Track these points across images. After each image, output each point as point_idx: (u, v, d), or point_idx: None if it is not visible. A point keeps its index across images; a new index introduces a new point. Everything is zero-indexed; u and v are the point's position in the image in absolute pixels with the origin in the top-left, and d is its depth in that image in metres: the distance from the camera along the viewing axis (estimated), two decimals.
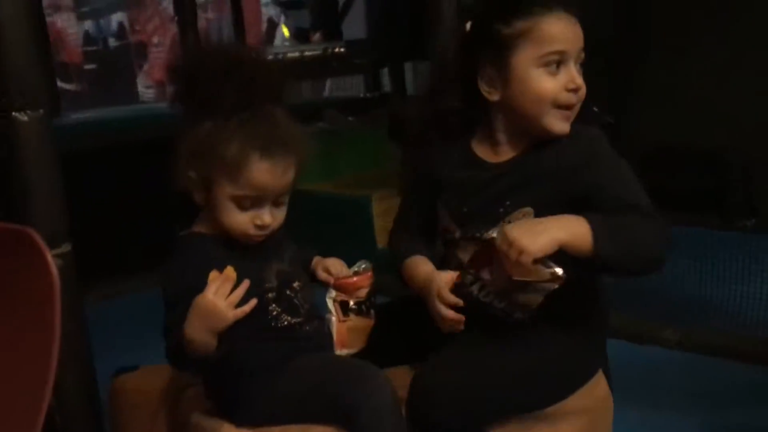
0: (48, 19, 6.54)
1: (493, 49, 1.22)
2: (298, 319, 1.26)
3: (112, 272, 2.99)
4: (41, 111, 1.40)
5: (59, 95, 4.38)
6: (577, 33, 1.20)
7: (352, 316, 1.35)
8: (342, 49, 4.36)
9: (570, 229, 1.10)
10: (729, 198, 3.20)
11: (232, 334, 1.13)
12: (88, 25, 9.16)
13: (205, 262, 1.15)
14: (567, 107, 1.20)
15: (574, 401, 1.25)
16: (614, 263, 1.11)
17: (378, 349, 1.37)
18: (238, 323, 1.13)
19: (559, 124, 1.21)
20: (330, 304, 1.35)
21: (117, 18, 8.85)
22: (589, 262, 1.11)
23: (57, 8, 9.12)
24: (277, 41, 6.82)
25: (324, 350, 1.30)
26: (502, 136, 1.27)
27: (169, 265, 1.21)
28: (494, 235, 1.15)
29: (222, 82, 1.14)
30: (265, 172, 1.15)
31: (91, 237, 2.77)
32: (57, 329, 1.11)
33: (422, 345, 1.29)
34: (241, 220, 1.18)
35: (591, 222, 1.10)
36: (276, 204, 1.21)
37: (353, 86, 5.36)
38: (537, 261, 1.10)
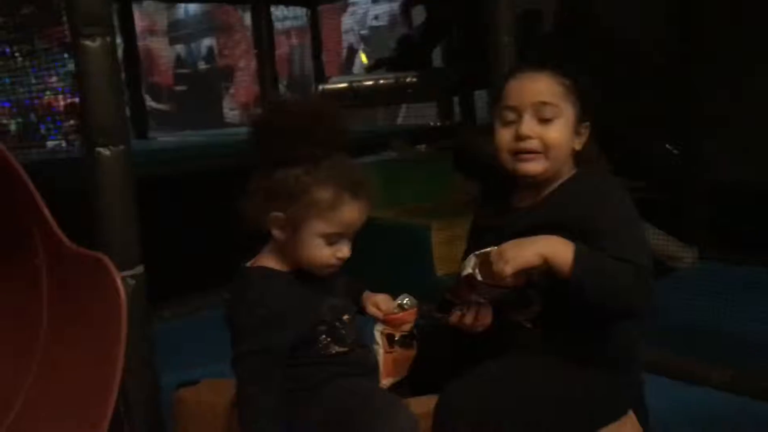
0: (142, 43, 6.97)
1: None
2: (344, 349, 1.38)
3: (187, 291, 3.16)
4: (121, 147, 1.57)
5: (148, 116, 4.66)
6: (535, 89, 1.34)
7: (396, 347, 1.47)
8: (415, 79, 4.47)
9: (555, 248, 1.22)
10: None
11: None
12: (180, 48, 9.65)
13: (277, 297, 1.29)
14: (519, 153, 1.35)
15: None
16: (586, 293, 1.20)
17: (416, 376, 1.47)
18: (291, 349, 1.27)
19: (521, 167, 1.36)
20: (377, 336, 1.48)
21: (207, 42, 9.30)
22: (565, 285, 1.21)
23: (152, 32, 9.67)
24: (356, 68, 7.03)
25: (364, 377, 1.41)
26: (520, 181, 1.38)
27: (241, 297, 1.31)
28: (469, 270, 1.28)
29: (309, 135, 1.28)
30: (355, 211, 1.30)
31: (168, 257, 3.01)
32: (122, 343, 1.26)
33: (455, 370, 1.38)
34: (326, 254, 1.31)
35: (577, 249, 1.21)
36: (350, 238, 1.35)
37: (427, 115, 5.46)
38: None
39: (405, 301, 1.48)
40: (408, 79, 4.64)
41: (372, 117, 6.17)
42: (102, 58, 1.51)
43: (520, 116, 1.35)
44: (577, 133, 1.38)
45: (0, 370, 1.46)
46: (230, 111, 9.01)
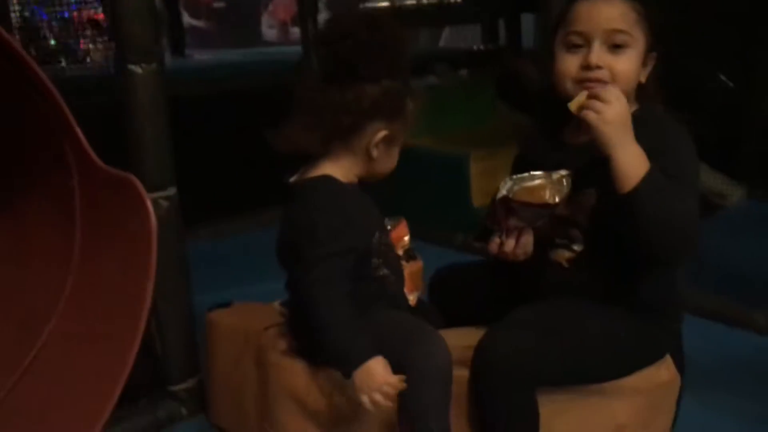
0: None
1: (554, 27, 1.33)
2: (388, 272, 1.35)
3: (223, 213, 3.17)
4: (154, 65, 1.52)
5: (185, 33, 4.59)
6: (607, 15, 1.25)
7: (404, 263, 1.45)
8: (459, 0, 4.32)
9: (634, 151, 1.17)
10: None
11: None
12: None
13: (351, 203, 1.28)
14: (587, 81, 1.25)
15: (633, 381, 1.27)
16: (646, 209, 1.14)
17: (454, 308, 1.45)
18: (343, 269, 1.24)
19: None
20: None
21: None
22: (620, 199, 1.16)
23: None
24: None
25: (400, 307, 1.39)
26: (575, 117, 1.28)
27: (314, 203, 1.27)
28: (504, 192, 1.26)
29: (404, 51, 1.28)
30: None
31: (203, 177, 3.00)
32: (153, 265, 1.25)
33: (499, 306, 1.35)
34: (395, 161, 1.34)
35: (652, 165, 1.16)
36: None
37: (470, 38, 5.29)
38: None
39: (392, 221, 1.46)
40: (452, 0, 4.48)
41: (414, 38, 6.00)
42: None
43: (589, 42, 1.26)
44: (643, 64, 1.29)
45: (37, 286, 1.47)
46: (268, 29, 8.85)
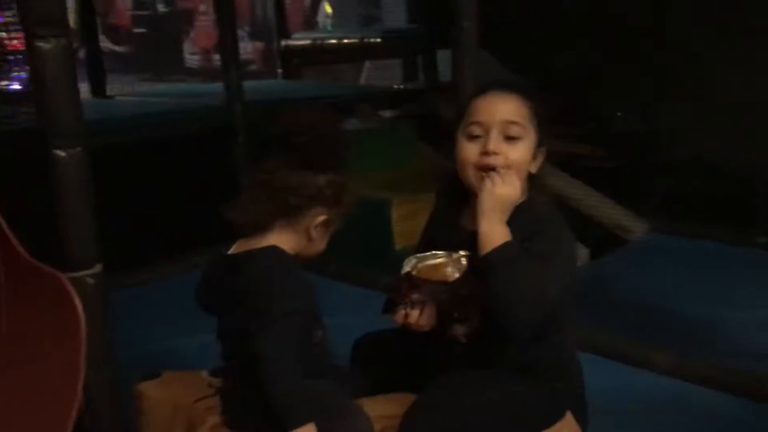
0: None
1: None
2: (322, 333, 1.46)
3: (148, 259, 3.17)
4: (78, 149, 1.55)
5: (104, 72, 4.53)
6: (504, 108, 1.40)
7: None
8: (378, 40, 4.44)
9: (499, 227, 1.35)
10: (747, 212, 3.22)
11: None
12: None
13: (300, 270, 1.41)
14: (485, 167, 1.40)
15: None
16: (493, 278, 1.30)
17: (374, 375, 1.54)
18: (297, 329, 1.34)
19: (481, 183, 1.40)
20: None
21: None
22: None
23: None
24: (320, 17, 6.89)
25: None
26: (472, 201, 1.43)
27: (270, 266, 1.38)
28: (408, 269, 1.41)
29: (345, 143, 1.43)
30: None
31: (133, 223, 3.00)
32: (82, 361, 1.28)
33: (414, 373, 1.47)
34: (321, 247, 1.46)
35: (508, 243, 1.33)
36: None
37: (391, 74, 5.42)
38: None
39: None
40: (372, 39, 4.60)
41: (335, 73, 6.09)
42: (58, 61, 1.48)
43: (487, 132, 1.40)
44: (534, 156, 1.43)
45: None
46: (190, 56, 8.80)
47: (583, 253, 3.29)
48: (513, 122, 1.40)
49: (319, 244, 1.46)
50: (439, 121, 3.79)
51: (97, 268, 1.64)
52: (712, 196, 3.30)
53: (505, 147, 1.39)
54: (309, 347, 1.40)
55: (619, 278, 2.87)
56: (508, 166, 1.38)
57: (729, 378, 2.09)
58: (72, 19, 4.33)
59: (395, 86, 4.76)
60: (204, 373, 1.59)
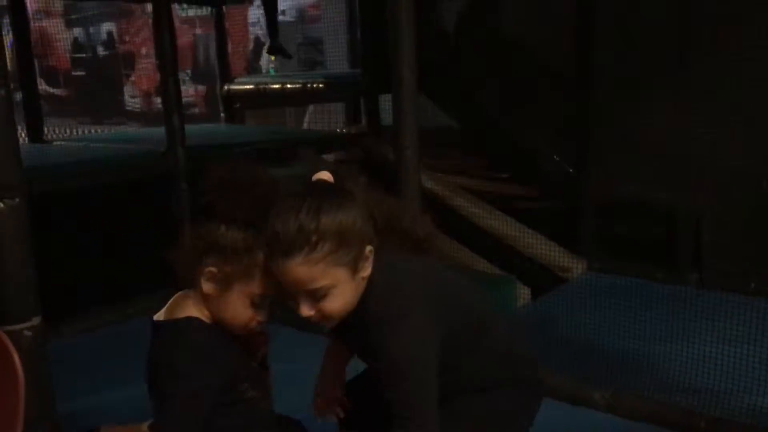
0: (36, 24, 6.61)
1: None
2: (256, 393, 1.44)
3: (87, 307, 3.11)
4: (17, 200, 1.55)
5: (42, 116, 4.47)
6: (299, 279, 1.24)
7: None
8: (321, 85, 4.51)
9: None
10: (677, 251, 3.36)
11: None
12: (78, 31, 9.24)
13: (210, 344, 1.34)
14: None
15: None
16: None
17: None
18: (199, 405, 1.31)
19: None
20: None
21: (106, 27, 8.94)
22: None
23: (47, 13, 9.18)
24: (262, 62, 6.96)
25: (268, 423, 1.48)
26: None
27: (175, 342, 1.34)
28: None
29: (259, 199, 1.30)
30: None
31: (68, 272, 2.95)
32: (21, 412, 1.26)
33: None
34: (248, 315, 1.35)
35: None
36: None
37: (333, 118, 5.50)
38: None
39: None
40: (315, 83, 4.67)
41: (278, 117, 6.14)
42: None
43: (294, 298, 1.28)
44: (357, 270, 1.27)
45: None
46: (131, 99, 8.73)
47: (579, 265, 3.38)
48: (314, 289, 1.24)
49: (229, 310, 1.34)
50: (382, 164, 3.87)
51: (36, 320, 1.62)
52: (642, 235, 3.42)
53: (317, 305, 1.26)
54: (226, 408, 1.38)
55: (558, 316, 2.95)
56: (326, 318, 1.28)
57: (662, 413, 2.17)
58: (9, 61, 4.27)
59: (338, 130, 4.82)
60: (144, 426, 1.57)
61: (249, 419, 1.43)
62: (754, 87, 3.00)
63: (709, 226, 3.31)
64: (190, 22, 7.78)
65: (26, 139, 4.30)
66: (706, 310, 2.75)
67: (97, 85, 8.78)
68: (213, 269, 1.32)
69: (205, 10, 6.61)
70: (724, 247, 3.24)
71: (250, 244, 1.31)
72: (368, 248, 1.28)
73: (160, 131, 3.61)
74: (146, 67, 8.30)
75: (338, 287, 1.25)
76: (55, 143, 4.36)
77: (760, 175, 3.11)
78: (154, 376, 1.36)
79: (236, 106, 5.07)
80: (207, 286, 1.34)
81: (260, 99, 4.87)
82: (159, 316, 1.41)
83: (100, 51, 9.06)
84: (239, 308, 1.35)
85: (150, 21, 8.32)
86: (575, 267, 3.47)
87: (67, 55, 9.23)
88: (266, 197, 1.31)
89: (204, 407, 1.32)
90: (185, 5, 6.58)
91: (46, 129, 4.49)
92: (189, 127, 3.66)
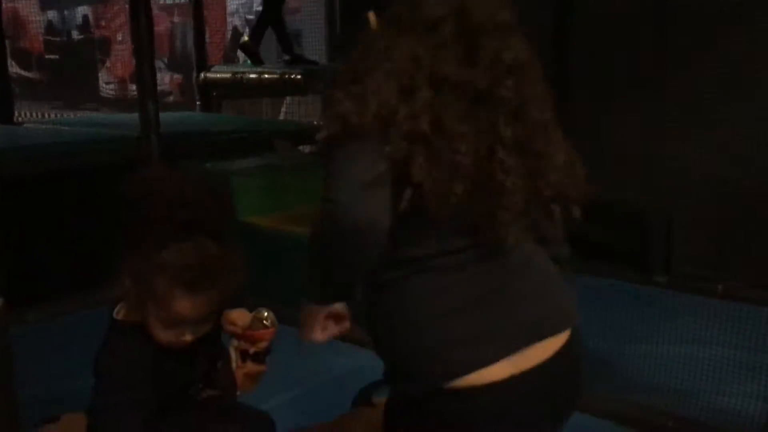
0: (8, 5, 6.48)
1: None
2: (215, 392, 1.42)
3: (50, 294, 3.05)
4: None
5: (12, 98, 4.38)
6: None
7: (248, 363, 1.51)
8: (299, 76, 4.46)
9: None
10: (647, 253, 3.39)
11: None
12: (52, 14, 9.06)
13: (144, 361, 1.30)
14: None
15: None
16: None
17: None
18: (165, 395, 1.30)
19: None
20: (231, 351, 1.52)
21: (82, 11, 8.78)
22: None
23: None
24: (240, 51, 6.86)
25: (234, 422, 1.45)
26: None
27: (115, 350, 1.33)
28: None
29: (166, 218, 1.24)
30: (187, 307, 1.27)
31: (34, 258, 2.89)
32: None
33: None
34: (165, 336, 1.31)
35: None
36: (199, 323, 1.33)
37: (309, 109, 5.46)
38: None
39: (265, 316, 1.49)
40: (292, 75, 4.62)
41: (255, 107, 6.08)
42: None
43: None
44: None
45: None
46: (106, 85, 8.59)
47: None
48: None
49: (155, 331, 1.30)
50: None
51: None
52: (613, 236, 3.44)
53: None
54: (193, 407, 1.38)
55: None
56: None
57: (630, 412, 2.18)
58: None
59: (315, 122, 4.78)
60: None
61: (202, 417, 1.40)
62: (726, 93, 3.03)
63: (679, 230, 3.35)
64: (168, 9, 7.67)
65: None
66: (673, 311, 2.79)
67: (71, 69, 8.61)
68: (129, 283, 1.29)
69: None
70: (693, 251, 3.28)
71: (147, 270, 1.25)
72: None
73: (133, 117, 3.55)
74: (122, 53, 8.17)
75: None
76: (25, 125, 4.26)
77: (728, 180, 3.14)
78: (95, 377, 1.34)
79: (212, 94, 5.01)
80: (130, 298, 1.31)
81: (236, 88, 4.81)
82: (120, 309, 1.38)
83: (75, 35, 8.90)
84: (155, 329, 1.29)
85: (127, 6, 8.21)
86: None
87: (41, 37, 9.06)
88: (194, 213, 1.26)
89: (139, 418, 1.29)
90: None
91: (17, 112, 4.40)
92: (163, 115, 3.60)
